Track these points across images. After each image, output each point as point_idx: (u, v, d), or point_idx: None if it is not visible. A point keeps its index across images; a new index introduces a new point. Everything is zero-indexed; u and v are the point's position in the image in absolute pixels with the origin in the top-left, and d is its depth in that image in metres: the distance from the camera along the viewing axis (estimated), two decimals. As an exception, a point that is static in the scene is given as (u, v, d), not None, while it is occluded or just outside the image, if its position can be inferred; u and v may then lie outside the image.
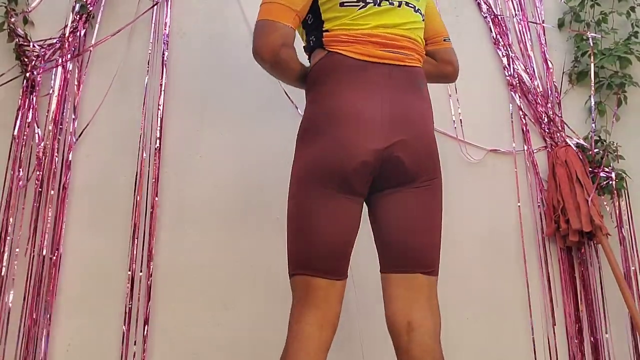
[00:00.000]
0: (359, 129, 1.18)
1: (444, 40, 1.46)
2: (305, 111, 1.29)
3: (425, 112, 1.28)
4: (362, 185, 1.20)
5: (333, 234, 1.18)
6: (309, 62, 1.35)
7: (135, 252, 1.68)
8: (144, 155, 1.76)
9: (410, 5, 1.31)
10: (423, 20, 1.36)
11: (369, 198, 1.26)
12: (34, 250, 1.60)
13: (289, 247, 1.23)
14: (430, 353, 1.14)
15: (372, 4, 1.27)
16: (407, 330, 1.15)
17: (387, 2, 1.28)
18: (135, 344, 1.63)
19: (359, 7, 1.26)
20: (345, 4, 1.26)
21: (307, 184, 1.20)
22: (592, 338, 1.94)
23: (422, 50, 1.34)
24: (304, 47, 1.37)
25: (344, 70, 1.23)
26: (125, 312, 1.64)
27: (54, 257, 1.63)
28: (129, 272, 1.67)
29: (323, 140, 1.19)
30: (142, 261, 1.69)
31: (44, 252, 1.61)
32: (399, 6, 1.29)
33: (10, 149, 1.65)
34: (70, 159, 1.70)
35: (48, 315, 1.59)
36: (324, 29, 1.28)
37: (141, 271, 1.68)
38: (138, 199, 1.73)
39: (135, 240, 1.69)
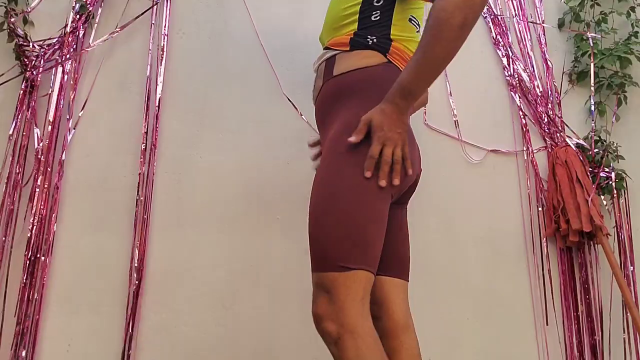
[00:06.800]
0: (415, 144, 1.23)
1: None
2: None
3: None
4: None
5: (383, 239, 1.13)
6: (345, 50, 1.22)
7: (135, 252, 1.69)
8: (144, 155, 1.75)
9: None
10: None
11: None
12: (29, 250, 1.59)
13: (346, 237, 1.06)
14: (416, 350, 1.25)
15: (417, 30, 1.27)
16: (404, 331, 1.24)
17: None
18: (136, 344, 1.63)
19: (417, 29, 1.27)
20: (412, 21, 1.25)
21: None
22: (591, 338, 1.94)
23: None
24: (350, 38, 1.22)
25: None
26: (126, 313, 1.64)
27: (48, 258, 1.63)
28: (129, 272, 1.67)
29: None
30: (142, 261, 1.69)
31: (42, 252, 1.61)
32: None
33: (12, 148, 1.64)
34: (67, 158, 1.70)
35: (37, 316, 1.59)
36: (390, 35, 1.22)
37: (141, 271, 1.68)
38: (138, 199, 1.73)
39: (135, 240, 1.69)
